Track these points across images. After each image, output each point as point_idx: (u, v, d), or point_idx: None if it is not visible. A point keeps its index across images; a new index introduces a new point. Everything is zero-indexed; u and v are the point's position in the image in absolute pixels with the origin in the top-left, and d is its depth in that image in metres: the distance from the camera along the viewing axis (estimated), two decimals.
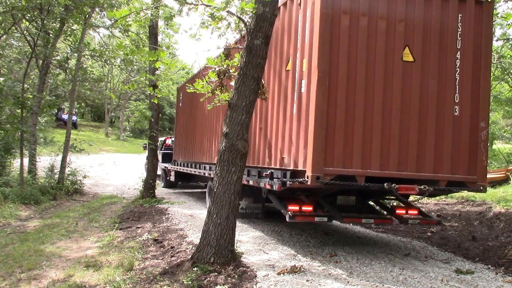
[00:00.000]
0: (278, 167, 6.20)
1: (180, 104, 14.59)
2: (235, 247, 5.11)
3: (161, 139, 18.10)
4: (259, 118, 7.26)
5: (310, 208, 5.97)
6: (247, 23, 5.27)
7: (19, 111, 11.86)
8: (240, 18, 5.80)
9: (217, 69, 5.76)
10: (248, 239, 6.62)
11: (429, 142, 5.68)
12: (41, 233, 7.81)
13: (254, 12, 5.05)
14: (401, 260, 5.76)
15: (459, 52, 5.77)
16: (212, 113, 9.72)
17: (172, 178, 14.80)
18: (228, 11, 5.85)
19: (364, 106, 5.49)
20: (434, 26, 5.72)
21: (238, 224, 7.52)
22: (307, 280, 4.52)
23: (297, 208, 5.93)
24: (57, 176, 13.72)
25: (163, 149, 16.57)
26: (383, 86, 5.56)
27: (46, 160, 14.96)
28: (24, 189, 11.50)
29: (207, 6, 5.67)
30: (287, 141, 6.01)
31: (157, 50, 6.07)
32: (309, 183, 5.20)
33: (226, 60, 5.85)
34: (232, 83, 5.36)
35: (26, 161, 12.95)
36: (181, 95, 14.52)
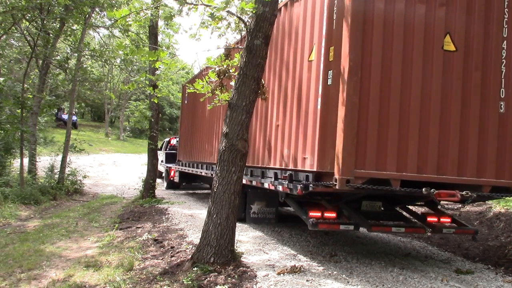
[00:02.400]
0: (299, 168, 5.61)
1: (186, 102, 13.94)
2: (235, 247, 5.11)
3: (165, 139, 18.05)
4: (275, 114, 6.60)
5: (333, 215, 5.40)
6: (247, 23, 5.27)
7: (19, 111, 11.87)
8: (240, 18, 5.80)
9: (217, 69, 5.76)
10: (248, 239, 6.62)
11: (471, 143, 5.13)
12: (41, 233, 7.81)
13: (254, 12, 5.04)
14: (401, 260, 5.76)
15: (505, 42, 5.21)
16: (219, 110, 9.33)
17: (176, 179, 14.36)
18: (228, 11, 5.84)
19: (400, 100, 4.91)
20: (479, 11, 5.16)
21: (238, 224, 7.53)
22: (307, 280, 4.52)
23: (319, 214, 5.36)
24: (57, 176, 13.73)
25: (167, 149, 16.35)
26: (421, 78, 4.98)
27: (46, 160, 14.96)
28: (24, 189, 11.50)
29: (207, 6, 5.66)
30: (309, 139, 5.39)
31: (157, 50, 6.07)
32: (337, 187, 4.62)
33: (226, 60, 5.84)
34: (232, 83, 5.36)
35: (26, 161, 12.95)
36: (186, 92, 13.93)
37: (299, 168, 5.58)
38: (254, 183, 6.95)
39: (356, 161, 4.70)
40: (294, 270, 4.80)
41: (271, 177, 6.42)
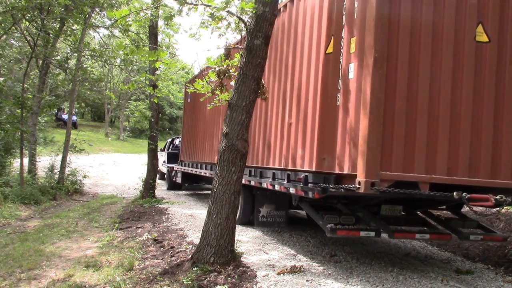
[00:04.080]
0: (315, 170, 5.22)
1: (189, 100, 13.53)
2: (235, 247, 5.11)
3: (168, 139, 17.98)
4: (288, 111, 6.18)
5: (352, 220, 5.15)
6: (247, 23, 5.27)
7: (19, 111, 11.87)
8: (240, 18, 5.80)
9: (217, 69, 5.76)
10: (248, 239, 6.62)
11: (506, 141, 4.76)
12: (41, 233, 7.81)
13: (254, 12, 5.05)
14: (401, 260, 5.76)
15: None
16: (223, 110, 8.80)
17: (179, 180, 14.04)
18: (228, 11, 5.84)
19: (429, 95, 4.54)
20: None
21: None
22: (307, 280, 4.52)
23: (336, 219, 5.09)
24: (57, 176, 13.73)
25: (170, 149, 16.16)
26: (451, 71, 4.62)
27: (46, 160, 14.96)
28: (24, 189, 11.50)
29: (207, 6, 5.66)
30: (328, 138, 5.04)
31: (157, 50, 6.08)
32: (361, 190, 4.23)
33: (226, 60, 5.85)
34: (232, 83, 5.36)
35: (26, 161, 12.95)
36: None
37: (316, 169, 5.21)
38: (264, 185, 6.60)
39: (382, 162, 4.31)
40: (294, 270, 4.80)
41: (283, 179, 6.09)
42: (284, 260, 5.39)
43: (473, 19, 4.70)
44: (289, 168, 5.94)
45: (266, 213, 7.51)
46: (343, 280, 4.62)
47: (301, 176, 5.39)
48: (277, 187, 6.07)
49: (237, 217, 7.57)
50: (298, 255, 5.76)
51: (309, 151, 5.42)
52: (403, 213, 5.69)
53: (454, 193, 4.21)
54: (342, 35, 4.90)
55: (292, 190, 5.52)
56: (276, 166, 6.39)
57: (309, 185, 5.18)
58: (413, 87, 4.50)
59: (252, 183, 7.11)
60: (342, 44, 4.91)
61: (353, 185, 4.34)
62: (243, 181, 7.40)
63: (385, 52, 4.34)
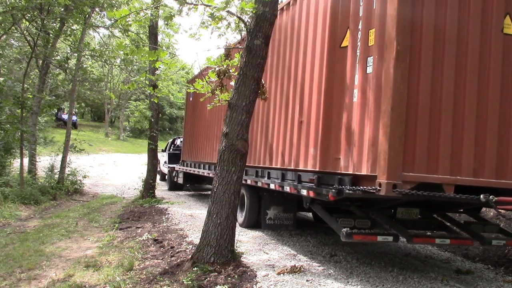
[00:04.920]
0: (329, 170, 4.99)
1: (191, 99, 13.18)
2: (235, 247, 5.11)
3: (170, 140, 17.94)
4: (298, 109, 5.89)
5: (368, 224, 4.92)
6: (247, 23, 5.27)
7: (19, 111, 11.87)
8: (240, 18, 5.80)
9: (217, 69, 5.76)
10: (248, 239, 6.62)
11: None
12: (41, 233, 7.81)
13: (254, 12, 5.05)
14: (401, 260, 5.76)
15: None
16: (225, 109, 8.68)
17: (181, 180, 13.80)
18: (228, 11, 5.84)
19: (453, 90, 4.30)
20: None
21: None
22: (307, 280, 4.52)
23: (351, 223, 4.85)
24: (57, 176, 13.73)
25: (171, 150, 16.05)
26: (478, 65, 4.38)
27: (46, 160, 14.96)
28: (24, 189, 11.50)
29: (207, 6, 5.66)
30: (343, 137, 4.78)
31: (157, 50, 6.08)
32: (382, 193, 3.97)
33: (226, 60, 5.85)
34: (232, 83, 5.36)
35: (26, 161, 12.96)
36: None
37: (329, 170, 4.96)
38: (272, 186, 6.36)
39: (404, 162, 4.04)
40: (294, 270, 4.80)
41: (294, 180, 5.80)
42: (284, 260, 5.39)
43: (500, 10, 4.47)
44: (300, 168, 5.65)
45: (273, 215, 7.24)
46: (343, 280, 4.62)
47: (314, 177, 5.13)
48: (286, 189, 5.84)
49: (243, 220, 7.52)
50: (298, 255, 5.76)
51: (322, 151, 5.14)
52: (419, 216, 5.40)
53: (481, 196, 3.96)
54: (359, 27, 4.63)
55: (303, 192, 5.31)
56: (286, 167, 6.12)
57: (322, 186, 4.93)
58: (437, 81, 4.25)
59: (259, 184, 6.88)
60: (359, 36, 4.64)
61: (373, 187, 4.08)
62: (249, 182, 7.27)
63: (407, 45, 4.07)
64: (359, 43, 4.64)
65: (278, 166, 6.40)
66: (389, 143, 3.98)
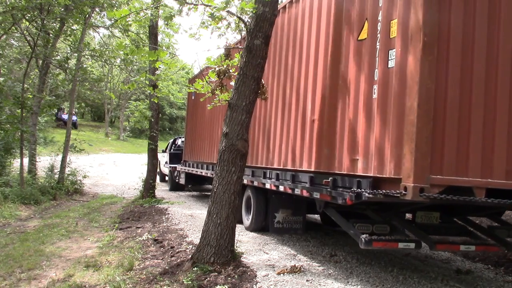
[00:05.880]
0: (344, 172, 4.69)
1: (193, 97, 12.70)
2: (235, 247, 5.12)
3: (170, 140, 17.90)
4: (310, 107, 5.55)
5: (386, 229, 4.63)
6: (247, 23, 5.27)
7: (19, 111, 11.87)
8: (240, 18, 5.80)
9: (217, 69, 5.76)
10: (248, 239, 6.62)
11: None
12: (41, 233, 7.81)
13: (254, 12, 5.05)
14: (401, 260, 5.76)
15: None
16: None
17: (182, 181, 13.55)
18: (228, 11, 5.85)
19: (484, 85, 3.98)
20: None
21: (238, 224, 7.49)
22: (307, 280, 4.52)
23: (369, 228, 4.58)
24: (57, 176, 13.73)
25: (172, 149, 15.95)
26: (511, 57, 4.04)
27: (46, 160, 14.95)
28: (24, 189, 11.49)
29: (207, 6, 5.67)
30: (361, 137, 4.46)
31: (157, 50, 6.08)
32: (408, 197, 3.67)
33: (226, 60, 5.85)
34: (232, 83, 5.36)
35: (26, 161, 12.95)
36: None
37: (345, 171, 4.67)
38: (281, 188, 6.08)
39: (432, 164, 3.75)
40: (294, 270, 4.80)
41: (305, 182, 5.47)
42: (284, 260, 5.39)
43: None
44: (312, 170, 5.33)
45: (282, 218, 6.91)
46: (343, 280, 4.62)
47: (328, 180, 4.83)
48: (297, 191, 5.56)
49: (249, 223, 7.36)
50: (298, 255, 5.76)
51: (337, 151, 4.87)
52: (440, 220, 5.14)
53: None
54: (379, 18, 4.30)
55: (316, 195, 5.02)
56: (297, 168, 5.79)
57: (338, 189, 4.65)
58: (466, 75, 3.92)
59: (267, 186, 6.57)
60: (378, 28, 4.32)
61: (397, 191, 3.77)
62: (256, 184, 7.03)
63: (435, 35, 3.76)
64: (379, 35, 4.31)
65: (288, 167, 6.09)
66: (416, 144, 3.67)
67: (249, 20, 5.36)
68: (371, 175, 4.22)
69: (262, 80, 5.38)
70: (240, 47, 6.24)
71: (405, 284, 4.60)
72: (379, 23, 4.32)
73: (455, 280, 4.89)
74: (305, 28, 5.91)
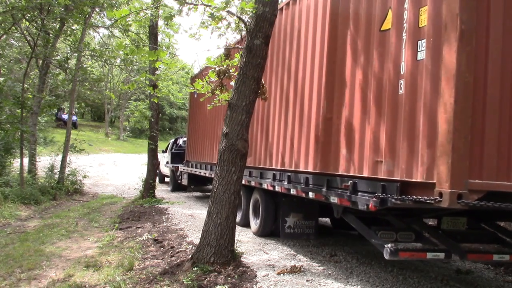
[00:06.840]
0: (366, 175, 4.30)
1: (195, 96, 12.13)
2: (235, 247, 5.12)
3: (171, 140, 17.87)
4: (326, 105, 5.12)
5: (411, 237, 4.36)
6: (247, 23, 5.27)
7: (19, 111, 11.87)
8: (240, 18, 5.80)
9: (217, 69, 5.76)
10: (248, 239, 6.62)
11: None
12: (41, 233, 7.81)
13: (254, 12, 5.05)
14: (401, 260, 5.76)
15: None
16: None
17: (185, 182, 13.29)
18: (228, 11, 5.84)
19: None
20: None
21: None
22: (307, 280, 4.52)
23: (393, 236, 4.27)
24: (57, 176, 13.73)
25: (173, 149, 15.85)
26: None
27: (46, 160, 14.96)
28: (24, 189, 11.49)
29: (207, 6, 5.67)
30: (384, 137, 4.07)
31: (157, 50, 6.08)
32: (444, 204, 3.30)
33: (226, 60, 5.85)
34: (232, 83, 5.36)
35: (26, 161, 12.95)
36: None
37: (366, 174, 4.28)
38: (293, 191, 5.71)
39: (470, 167, 3.38)
40: (294, 270, 4.80)
41: (320, 186, 5.12)
42: (284, 260, 5.39)
43: None
44: (330, 172, 4.95)
45: (293, 223, 6.44)
46: (343, 280, 4.62)
47: (348, 183, 4.43)
48: (311, 195, 5.18)
49: (257, 228, 7.05)
50: (298, 255, 5.76)
51: (357, 152, 4.49)
52: (466, 226, 4.79)
53: None
54: (405, 6, 3.93)
55: (333, 200, 4.65)
56: (311, 170, 5.38)
57: (359, 194, 4.26)
58: (508, 67, 3.55)
59: (277, 188, 6.21)
60: (405, 17, 3.93)
61: (430, 197, 3.41)
62: (266, 187, 6.66)
63: (473, 23, 3.38)
64: (405, 25, 3.92)
65: (301, 169, 5.71)
66: (452, 144, 3.28)
67: (249, 20, 5.36)
68: (398, 178, 3.84)
69: (263, 80, 5.38)
70: (240, 47, 6.24)
71: (405, 284, 4.60)
72: (406, 11, 3.93)
73: (455, 280, 4.90)
74: (310, 24, 5.72)
